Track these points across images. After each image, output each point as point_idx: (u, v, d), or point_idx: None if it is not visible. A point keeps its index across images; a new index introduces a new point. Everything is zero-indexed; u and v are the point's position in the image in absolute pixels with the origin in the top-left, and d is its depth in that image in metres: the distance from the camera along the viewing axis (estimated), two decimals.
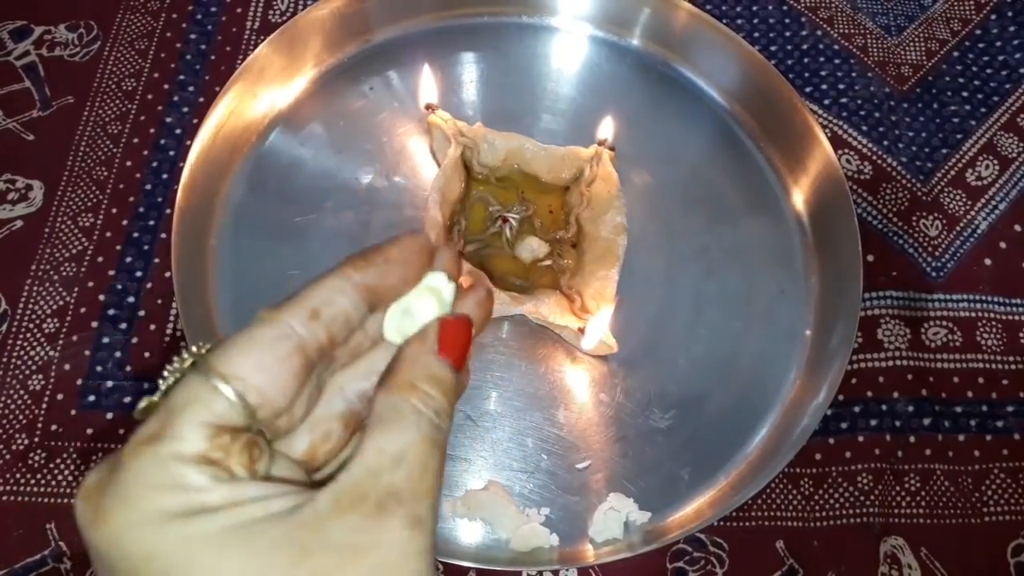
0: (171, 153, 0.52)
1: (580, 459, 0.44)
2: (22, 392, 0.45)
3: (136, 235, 0.49)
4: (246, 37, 0.56)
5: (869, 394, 0.48)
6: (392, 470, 0.19)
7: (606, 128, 0.50)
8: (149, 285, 0.48)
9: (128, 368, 0.46)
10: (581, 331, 0.45)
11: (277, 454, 0.21)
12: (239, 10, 0.57)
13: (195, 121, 0.53)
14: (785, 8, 0.60)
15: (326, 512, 0.18)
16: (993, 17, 0.60)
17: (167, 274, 0.48)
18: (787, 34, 0.59)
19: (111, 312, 0.47)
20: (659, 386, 0.46)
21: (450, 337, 0.22)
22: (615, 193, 0.48)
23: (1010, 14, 0.60)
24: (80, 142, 0.52)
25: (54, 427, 0.44)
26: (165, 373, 0.20)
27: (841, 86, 0.57)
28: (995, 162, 0.55)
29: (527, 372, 0.46)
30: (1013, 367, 0.49)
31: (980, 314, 0.50)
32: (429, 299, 0.23)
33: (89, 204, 0.50)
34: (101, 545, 0.18)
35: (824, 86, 0.57)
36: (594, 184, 0.49)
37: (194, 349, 0.20)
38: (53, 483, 0.43)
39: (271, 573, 0.17)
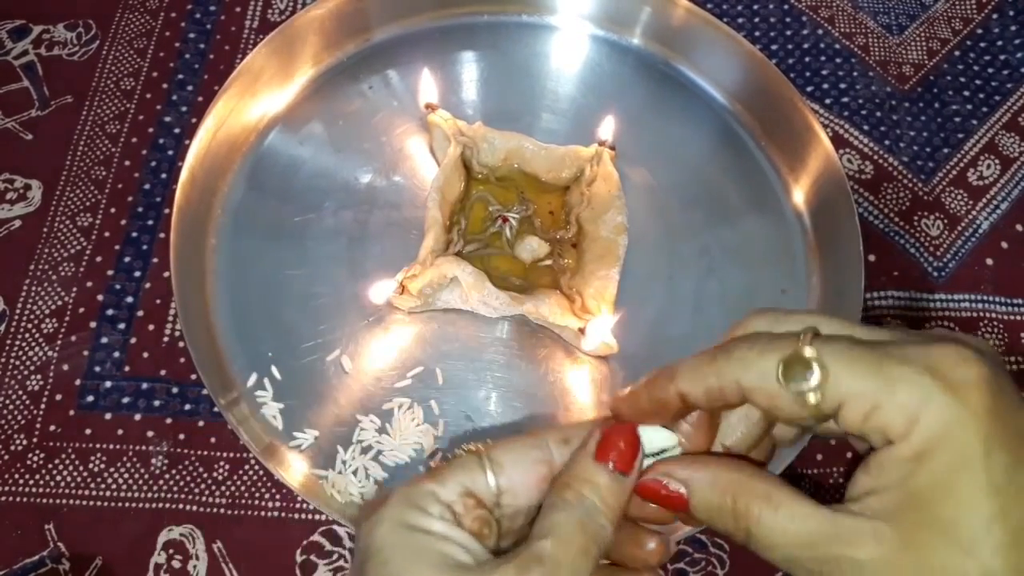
0: (170, 152, 0.52)
1: None
2: (20, 392, 0.45)
3: (135, 235, 0.49)
4: (245, 36, 0.56)
5: None
6: (539, 540, 0.23)
7: (606, 128, 0.50)
8: (148, 285, 0.48)
9: (127, 368, 0.46)
10: (581, 331, 0.45)
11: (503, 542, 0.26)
12: (238, 9, 0.57)
13: (194, 120, 0.52)
14: (786, 7, 0.60)
15: (488, 570, 0.23)
16: (995, 16, 0.60)
17: (166, 274, 0.48)
18: (788, 33, 0.59)
19: (110, 312, 0.47)
20: None
21: (608, 442, 0.25)
22: (615, 193, 0.48)
23: (1011, 13, 0.60)
24: (79, 142, 0.52)
25: (52, 427, 0.44)
26: (456, 451, 0.27)
27: (842, 85, 0.57)
28: (996, 162, 0.55)
29: (527, 373, 0.46)
30: (1014, 367, 0.49)
31: (982, 314, 0.50)
32: (655, 433, 0.26)
33: (88, 204, 0.50)
34: (361, 532, 0.24)
35: (825, 85, 0.57)
36: (594, 184, 0.49)
37: (480, 446, 0.26)
38: (52, 484, 0.43)
39: None
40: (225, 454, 0.44)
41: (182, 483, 0.43)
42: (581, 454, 0.25)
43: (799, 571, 0.23)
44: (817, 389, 0.22)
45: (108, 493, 0.43)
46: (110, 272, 0.48)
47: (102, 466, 0.43)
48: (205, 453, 0.44)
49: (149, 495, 0.43)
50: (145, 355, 0.46)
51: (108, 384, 0.45)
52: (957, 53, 0.59)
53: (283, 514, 0.43)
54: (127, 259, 0.48)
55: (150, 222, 0.49)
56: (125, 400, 0.45)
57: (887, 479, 0.22)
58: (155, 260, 0.48)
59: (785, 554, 0.23)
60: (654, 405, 0.26)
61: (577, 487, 0.24)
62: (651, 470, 0.25)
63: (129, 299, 0.47)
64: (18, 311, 0.47)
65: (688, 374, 0.24)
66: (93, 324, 0.47)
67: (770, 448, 0.28)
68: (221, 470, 0.44)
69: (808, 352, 0.22)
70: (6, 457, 0.43)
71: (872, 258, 0.51)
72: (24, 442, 0.44)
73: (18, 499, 0.42)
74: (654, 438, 0.26)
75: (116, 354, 0.46)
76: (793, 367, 0.22)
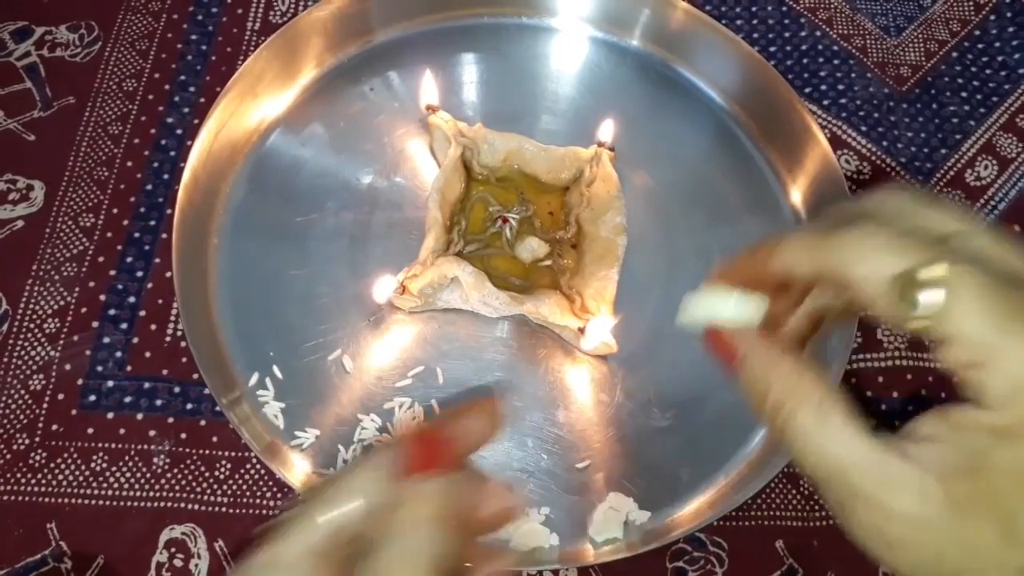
0: (172, 153, 0.52)
1: (580, 459, 0.44)
2: (23, 392, 0.45)
3: (137, 235, 0.49)
4: (247, 38, 0.56)
5: (868, 394, 0.48)
6: None
7: (606, 129, 0.50)
8: (150, 285, 0.48)
9: (129, 368, 0.46)
10: (581, 331, 0.45)
11: None
12: (240, 11, 0.57)
13: (196, 121, 0.53)
14: (784, 9, 0.60)
15: None
16: (992, 18, 0.60)
17: (168, 274, 0.48)
18: (786, 35, 0.59)
19: (112, 312, 0.47)
20: (659, 386, 0.46)
21: (410, 456, 0.23)
22: (615, 193, 0.49)
23: (1009, 15, 0.60)
24: (81, 142, 0.52)
25: (55, 427, 0.44)
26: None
27: (840, 87, 0.57)
28: (994, 162, 0.55)
29: (527, 372, 0.46)
30: None
31: None
32: (728, 300, 0.25)
33: (90, 204, 0.50)
34: None
35: (823, 87, 0.57)
36: (594, 184, 0.49)
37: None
38: (54, 483, 0.43)
39: None
40: (227, 453, 0.44)
41: (184, 482, 0.43)
42: (388, 481, 0.23)
43: (823, 490, 0.21)
44: (931, 317, 0.19)
45: (110, 492, 0.43)
46: (112, 272, 0.48)
47: (104, 465, 0.44)
48: (207, 452, 0.44)
49: (151, 494, 0.43)
50: (147, 355, 0.46)
51: (110, 383, 0.45)
52: (955, 54, 0.59)
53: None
54: (129, 259, 0.49)
55: (152, 222, 0.50)
56: (127, 399, 0.45)
57: (961, 440, 0.19)
58: (157, 260, 0.49)
59: (814, 470, 0.21)
60: (754, 276, 0.24)
61: (395, 518, 0.22)
62: (725, 329, 0.25)
63: (131, 299, 0.48)
64: (20, 311, 0.47)
65: (799, 249, 0.22)
66: (95, 324, 0.47)
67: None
68: (223, 469, 0.44)
69: (937, 272, 0.19)
70: (8, 456, 0.43)
71: None
72: (26, 441, 0.44)
73: (20, 498, 0.43)
74: (740, 308, 0.25)
75: (118, 354, 0.46)
76: (914, 284, 0.19)
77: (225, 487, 0.43)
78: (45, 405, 0.45)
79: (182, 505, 0.43)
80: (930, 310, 0.19)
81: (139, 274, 0.48)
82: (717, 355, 0.25)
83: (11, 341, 0.46)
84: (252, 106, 0.51)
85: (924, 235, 0.20)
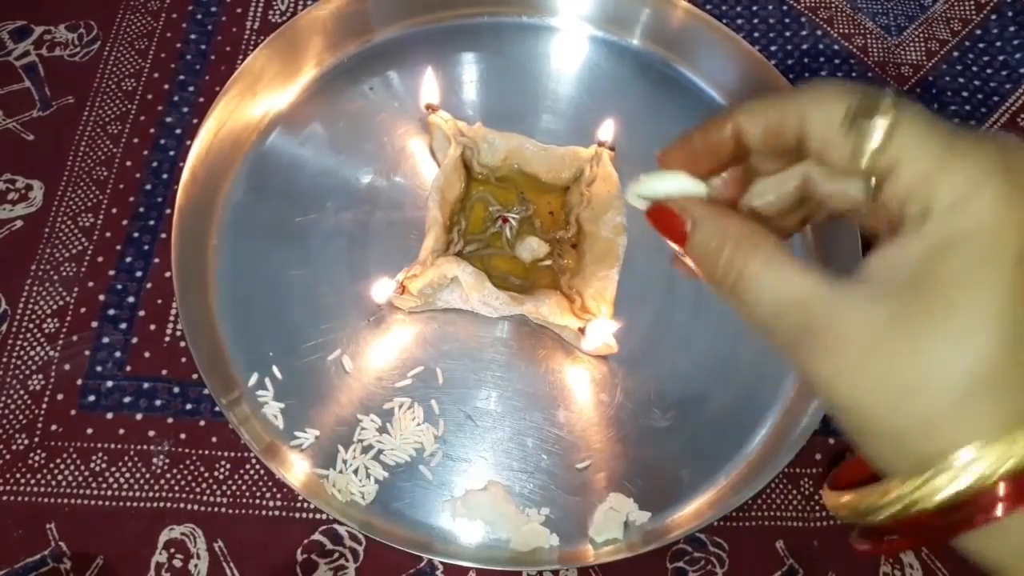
0: (171, 153, 0.52)
1: (580, 459, 0.44)
2: (22, 392, 0.45)
3: (136, 235, 0.49)
4: (246, 37, 0.56)
5: None
6: None
7: (606, 128, 0.50)
8: (149, 285, 0.48)
9: (128, 368, 0.46)
10: (581, 331, 0.45)
11: None
12: (239, 10, 0.57)
13: (195, 121, 0.53)
14: (785, 8, 0.60)
15: None
16: (993, 17, 0.60)
17: (167, 274, 0.48)
18: (787, 34, 0.59)
19: (111, 312, 0.47)
20: (659, 386, 0.46)
21: None
22: (615, 193, 0.48)
23: (1010, 14, 0.60)
24: (80, 142, 0.52)
25: (54, 427, 0.44)
26: None
27: None
28: None
29: (527, 372, 0.46)
30: None
31: None
32: (673, 179, 0.25)
33: (89, 204, 0.50)
34: None
35: None
36: (594, 184, 0.49)
37: None
38: (53, 483, 0.43)
39: None
40: (226, 453, 0.44)
41: (183, 482, 0.43)
42: None
43: (773, 338, 0.22)
44: (881, 139, 0.21)
45: (109, 492, 0.43)
46: (111, 272, 0.48)
47: (103, 465, 0.43)
48: (206, 452, 0.44)
49: (150, 494, 0.43)
50: (146, 355, 0.46)
51: (109, 384, 0.45)
52: (956, 54, 0.59)
53: (284, 513, 0.43)
54: (128, 259, 0.49)
55: (151, 222, 0.50)
56: (126, 400, 0.45)
57: (907, 258, 0.20)
58: (156, 260, 0.49)
59: (765, 315, 0.22)
60: (706, 147, 0.25)
61: None
62: (669, 201, 0.25)
63: (130, 299, 0.48)
64: (20, 311, 0.47)
65: (752, 107, 0.23)
66: (94, 324, 0.47)
67: (799, 220, 0.27)
68: (222, 469, 0.44)
69: (888, 100, 0.21)
70: (8, 457, 0.43)
71: None
72: (25, 441, 0.44)
73: (19, 498, 0.43)
74: (685, 184, 0.25)
75: (117, 354, 0.46)
76: (864, 115, 0.21)
77: (224, 487, 0.43)
78: (44, 405, 0.45)
79: (181, 505, 0.43)
80: (884, 129, 0.20)
81: (138, 274, 0.48)
82: (664, 232, 0.25)
83: (10, 341, 0.46)
84: (251, 105, 0.51)
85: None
